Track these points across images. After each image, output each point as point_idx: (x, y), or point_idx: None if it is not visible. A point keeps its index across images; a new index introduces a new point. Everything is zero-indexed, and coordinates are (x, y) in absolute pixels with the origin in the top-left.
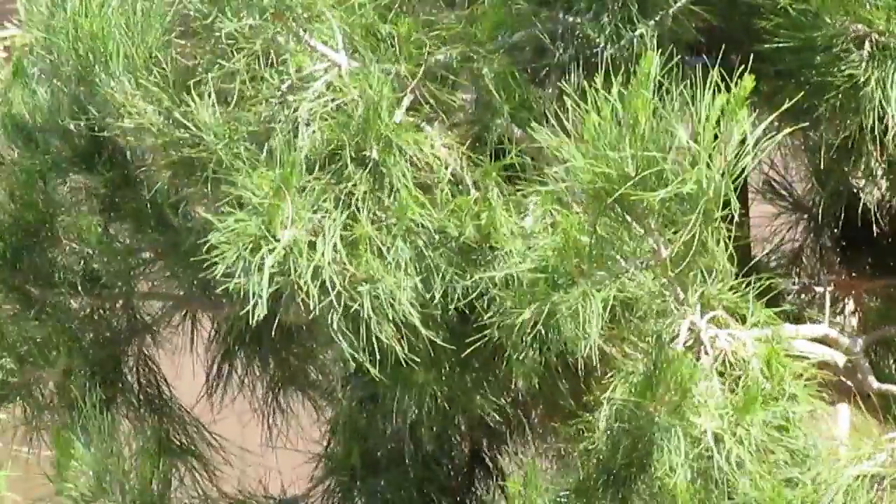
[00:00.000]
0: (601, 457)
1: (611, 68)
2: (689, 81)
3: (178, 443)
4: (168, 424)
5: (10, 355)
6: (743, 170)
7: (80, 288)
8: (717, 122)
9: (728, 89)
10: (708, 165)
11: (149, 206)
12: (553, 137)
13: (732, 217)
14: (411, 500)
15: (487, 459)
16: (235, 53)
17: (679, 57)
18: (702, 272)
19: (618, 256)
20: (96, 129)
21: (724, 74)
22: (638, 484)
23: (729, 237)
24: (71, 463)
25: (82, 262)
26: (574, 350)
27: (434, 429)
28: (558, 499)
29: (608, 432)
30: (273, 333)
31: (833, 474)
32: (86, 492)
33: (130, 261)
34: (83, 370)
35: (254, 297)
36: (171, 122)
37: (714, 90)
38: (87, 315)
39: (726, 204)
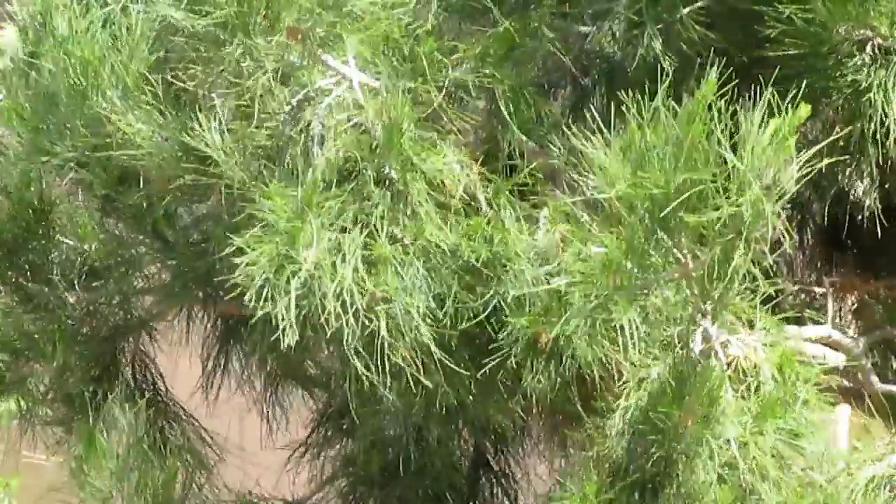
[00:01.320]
0: (619, 463)
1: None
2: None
3: (174, 439)
4: (164, 421)
5: (4, 349)
6: (783, 194)
7: (75, 282)
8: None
9: (778, 111)
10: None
11: (145, 204)
12: (592, 145)
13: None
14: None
15: (493, 462)
16: (247, 71)
17: (735, 81)
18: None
19: (649, 272)
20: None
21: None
22: (666, 491)
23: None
24: (93, 457)
25: (78, 256)
26: (589, 365)
27: (438, 433)
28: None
29: (627, 438)
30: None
31: (849, 476)
32: (106, 486)
33: (126, 255)
34: (79, 365)
35: (282, 321)
36: (166, 140)
37: (765, 114)
38: (82, 309)
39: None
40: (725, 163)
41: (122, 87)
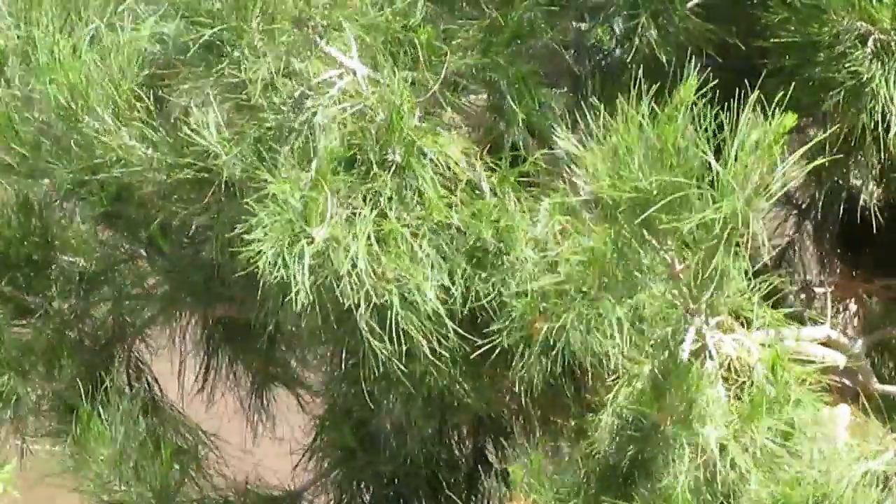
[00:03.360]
0: (604, 457)
1: (640, 80)
2: (723, 103)
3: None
4: (159, 423)
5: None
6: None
7: (70, 291)
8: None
9: (764, 115)
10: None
11: (143, 216)
12: (577, 147)
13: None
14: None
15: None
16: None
17: (715, 81)
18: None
19: (634, 271)
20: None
21: (765, 100)
22: (639, 487)
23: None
24: (90, 442)
25: (75, 268)
26: (581, 360)
27: (432, 422)
28: (558, 494)
29: (612, 435)
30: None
31: (841, 471)
32: (104, 471)
33: (121, 265)
34: (71, 372)
35: (296, 285)
36: (162, 151)
37: (749, 120)
38: (75, 316)
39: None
40: (710, 167)
41: (112, 106)
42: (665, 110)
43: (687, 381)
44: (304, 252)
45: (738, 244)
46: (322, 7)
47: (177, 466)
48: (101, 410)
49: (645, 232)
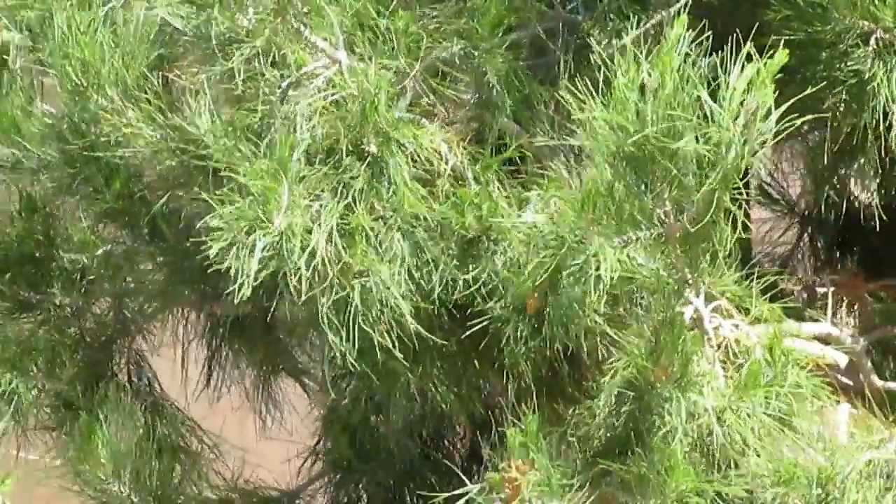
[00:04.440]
0: (602, 422)
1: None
2: (719, 51)
3: (171, 440)
4: (160, 422)
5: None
6: (764, 142)
7: (70, 288)
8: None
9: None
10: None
11: (144, 210)
12: (576, 96)
13: (735, 218)
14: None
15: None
16: (234, 53)
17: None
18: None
19: (627, 224)
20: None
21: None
22: (636, 452)
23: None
24: (91, 446)
25: (71, 260)
26: (576, 333)
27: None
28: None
29: (608, 397)
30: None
31: (847, 457)
32: (103, 475)
33: (120, 257)
34: (72, 369)
35: (243, 277)
36: (164, 134)
37: (744, 61)
38: (76, 312)
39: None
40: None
41: (122, 86)
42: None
43: (682, 339)
44: (255, 243)
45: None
46: None
47: (178, 468)
48: (98, 412)
49: (643, 175)
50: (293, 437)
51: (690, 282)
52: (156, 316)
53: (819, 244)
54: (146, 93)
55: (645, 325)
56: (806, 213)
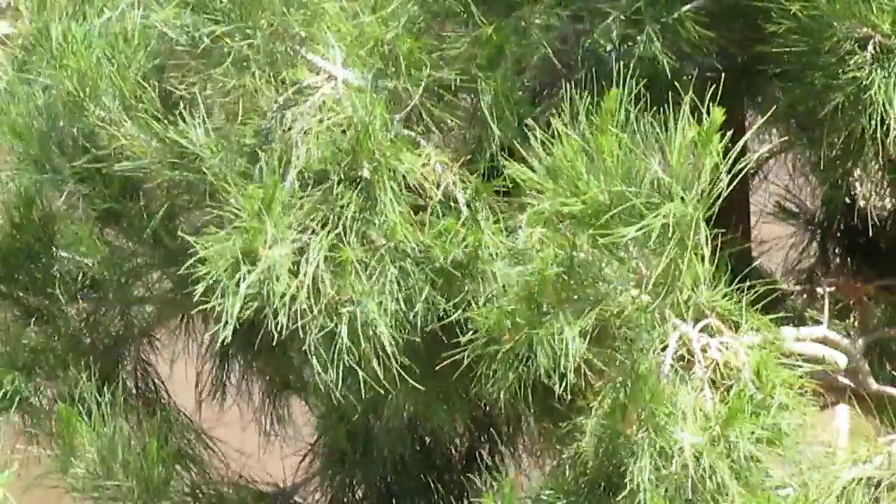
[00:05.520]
0: (588, 463)
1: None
2: (661, 109)
3: (177, 447)
4: (166, 429)
5: (7, 365)
6: (718, 196)
7: (76, 294)
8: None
9: (700, 120)
10: (682, 199)
11: (145, 215)
12: (525, 171)
13: (731, 220)
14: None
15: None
16: (234, 70)
17: (648, 91)
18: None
19: (600, 281)
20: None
21: (698, 103)
22: (616, 497)
23: (725, 242)
24: (75, 441)
25: (79, 269)
26: (550, 374)
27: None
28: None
29: (595, 440)
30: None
31: (827, 478)
32: (90, 471)
33: (126, 265)
34: (81, 376)
35: (226, 317)
36: (162, 145)
37: (684, 123)
38: (83, 320)
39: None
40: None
41: (119, 96)
42: (594, 121)
43: (648, 384)
44: (239, 282)
45: (696, 246)
46: (301, 19)
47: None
48: (80, 408)
49: (601, 243)
50: (291, 434)
51: (668, 314)
52: (160, 322)
53: (820, 244)
54: (143, 103)
55: (627, 361)
56: (813, 219)
